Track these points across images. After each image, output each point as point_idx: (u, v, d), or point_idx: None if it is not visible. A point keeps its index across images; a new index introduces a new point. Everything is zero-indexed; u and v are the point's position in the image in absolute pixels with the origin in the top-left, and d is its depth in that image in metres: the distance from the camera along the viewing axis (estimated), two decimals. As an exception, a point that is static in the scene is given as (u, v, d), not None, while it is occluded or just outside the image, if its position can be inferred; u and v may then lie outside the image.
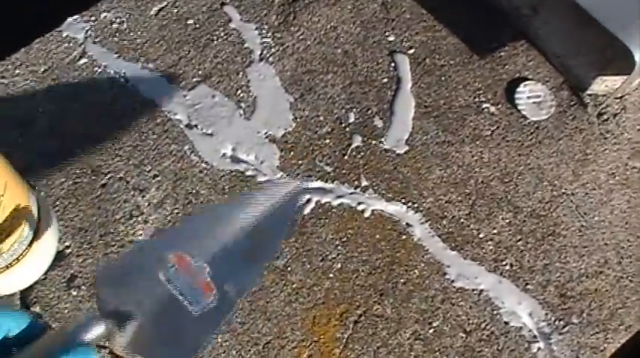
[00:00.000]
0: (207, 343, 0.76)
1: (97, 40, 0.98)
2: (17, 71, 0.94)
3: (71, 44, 0.97)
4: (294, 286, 0.85)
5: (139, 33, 0.99)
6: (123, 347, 0.59)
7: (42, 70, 0.95)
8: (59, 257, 0.83)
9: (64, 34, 0.98)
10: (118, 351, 0.64)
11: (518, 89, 0.99)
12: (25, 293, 0.81)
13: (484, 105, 0.99)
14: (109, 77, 0.95)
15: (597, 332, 0.87)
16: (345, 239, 0.88)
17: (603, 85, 0.97)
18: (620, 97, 1.00)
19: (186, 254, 0.66)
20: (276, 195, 0.78)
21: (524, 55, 1.04)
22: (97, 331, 0.52)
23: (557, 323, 0.86)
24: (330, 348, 0.82)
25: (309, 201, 0.90)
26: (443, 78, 1.01)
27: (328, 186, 0.91)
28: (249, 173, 0.91)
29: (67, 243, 0.84)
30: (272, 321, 0.83)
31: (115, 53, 0.97)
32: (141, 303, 0.66)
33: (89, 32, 0.98)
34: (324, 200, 0.90)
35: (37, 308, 0.80)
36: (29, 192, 0.76)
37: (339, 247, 0.88)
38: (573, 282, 0.89)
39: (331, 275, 0.86)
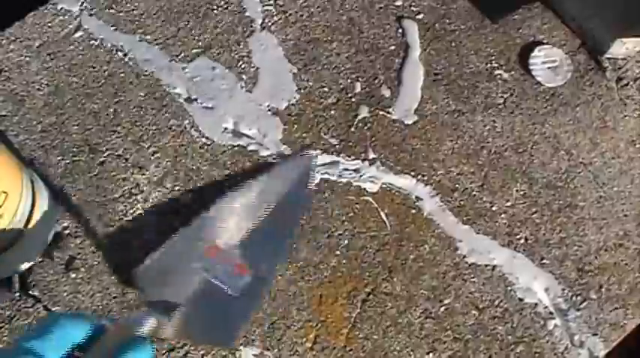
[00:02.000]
0: (248, 320, 0.78)
1: (92, 12, 0.94)
2: (11, 46, 0.91)
3: (66, 17, 0.93)
4: (299, 264, 0.82)
5: (136, 4, 0.95)
6: (173, 335, 0.64)
7: (37, 44, 0.91)
8: (57, 238, 0.80)
9: (59, 7, 0.94)
10: (170, 338, 0.66)
11: (533, 54, 0.94)
12: (23, 276, 0.78)
13: (497, 72, 0.94)
14: (106, 50, 0.92)
15: (617, 308, 0.83)
16: (351, 214, 0.84)
17: (623, 47, 0.91)
18: (641, 61, 0.95)
19: (218, 242, 0.72)
20: (292, 170, 0.82)
21: (538, 18, 0.98)
22: (149, 325, 0.54)
23: (574, 298, 0.82)
24: (337, 328, 0.79)
25: (317, 171, 0.86)
26: (453, 44, 0.95)
27: (334, 159, 0.87)
28: (251, 147, 0.87)
29: (64, 224, 0.81)
30: (277, 301, 0.80)
31: (112, 26, 0.93)
32: (183, 294, 0.67)
33: (84, 4, 0.94)
34: (329, 174, 0.86)
35: (35, 292, 0.78)
36: (23, 171, 0.73)
37: (346, 223, 0.84)
38: (591, 256, 0.85)
39: (338, 252, 0.82)
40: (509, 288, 0.82)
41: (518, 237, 0.85)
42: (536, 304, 0.82)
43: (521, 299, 0.82)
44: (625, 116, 0.92)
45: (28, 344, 0.44)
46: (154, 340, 0.74)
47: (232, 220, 0.75)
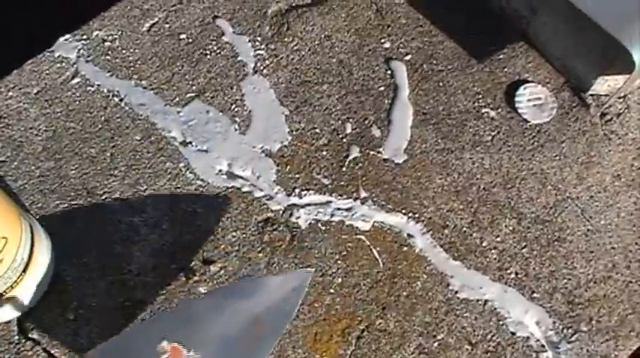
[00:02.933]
0: None
1: (89, 58, 0.96)
2: (10, 93, 0.93)
3: (64, 64, 0.96)
4: (294, 303, 0.83)
5: (131, 50, 0.97)
6: None
7: (35, 91, 0.93)
8: (56, 281, 0.81)
9: (57, 54, 0.96)
10: None
11: (518, 92, 0.96)
12: (22, 320, 0.79)
13: (484, 110, 0.96)
14: (103, 96, 0.94)
15: (607, 340, 0.84)
16: (345, 253, 0.86)
17: (605, 84, 0.94)
18: (624, 97, 0.97)
19: (181, 346, 0.65)
20: (282, 287, 0.74)
21: (523, 57, 1.01)
22: None
23: (565, 331, 0.84)
24: (333, 365, 0.80)
25: (308, 215, 0.88)
26: (441, 84, 0.98)
27: (326, 198, 0.89)
28: (245, 189, 0.89)
29: (63, 267, 0.82)
30: (273, 340, 0.81)
31: (108, 71, 0.96)
32: None
33: (81, 51, 0.97)
34: (322, 214, 0.88)
35: (35, 335, 0.79)
36: (21, 216, 0.74)
37: (339, 261, 0.85)
38: (581, 289, 0.86)
39: (332, 290, 0.84)
40: (501, 322, 0.83)
41: (508, 271, 0.86)
42: (528, 337, 0.83)
43: (513, 333, 0.83)
44: (609, 150, 0.94)
45: None
46: None
47: (203, 325, 0.67)
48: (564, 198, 0.91)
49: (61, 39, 0.98)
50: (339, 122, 0.94)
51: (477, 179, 0.91)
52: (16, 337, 0.78)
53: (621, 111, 0.97)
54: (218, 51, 0.98)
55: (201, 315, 0.68)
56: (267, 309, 0.70)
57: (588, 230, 0.89)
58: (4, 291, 0.73)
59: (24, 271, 0.75)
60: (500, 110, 0.96)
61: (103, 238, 0.84)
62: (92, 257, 0.83)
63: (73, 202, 0.86)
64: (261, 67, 0.97)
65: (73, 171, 0.88)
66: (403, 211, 0.89)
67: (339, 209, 0.88)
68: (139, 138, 0.91)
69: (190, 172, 0.89)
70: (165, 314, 0.70)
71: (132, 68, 0.96)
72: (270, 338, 0.71)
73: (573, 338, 0.83)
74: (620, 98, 0.96)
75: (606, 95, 0.95)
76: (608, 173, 0.93)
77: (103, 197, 0.87)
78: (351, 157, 0.92)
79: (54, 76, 0.95)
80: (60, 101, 0.93)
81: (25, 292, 0.77)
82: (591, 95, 0.96)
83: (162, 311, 0.72)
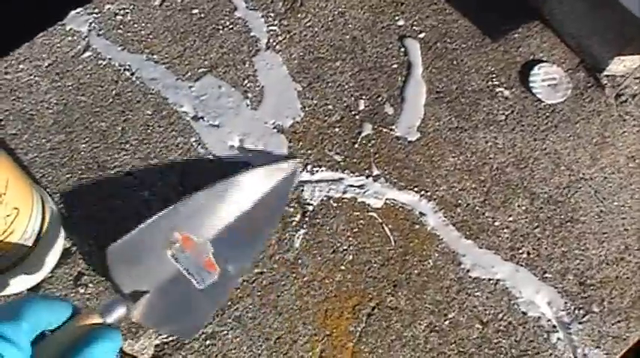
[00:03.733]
0: (211, 315, 0.78)
1: (101, 32, 0.95)
2: (21, 66, 0.91)
3: (75, 37, 0.94)
4: (305, 279, 0.82)
5: (143, 24, 0.96)
6: (137, 319, 0.65)
7: (46, 64, 0.92)
8: (66, 254, 0.80)
9: (68, 28, 0.95)
10: (136, 319, 0.67)
11: (533, 72, 0.95)
12: (31, 292, 0.78)
13: (498, 89, 0.95)
14: (114, 70, 0.92)
15: (619, 321, 0.83)
16: (356, 230, 0.85)
17: (621, 65, 0.92)
18: (639, 78, 0.96)
19: (191, 233, 0.71)
20: (275, 175, 0.82)
21: (538, 37, 0.99)
22: (119, 312, 0.55)
23: (576, 312, 0.83)
24: (343, 342, 0.79)
25: (320, 191, 0.87)
26: (455, 62, 0.96)
27: (338, 175, 0.88)
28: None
29: (73, 241, 0.81)
30: (283, 316, 0.80)
31: (120, 45, 0.94)
32: (152, 279, 0.67)
33: (93, 25, 0.95)
34: (334, 190, 0.87)
35: (44, 307, 0.78)
36: (32, 188, 0.73)
37: (351, 238, 0.84)
38: (593, 270, 0.85)
39: (343, 267, 0.83)
40: (512, 302, 0.83)
41: (520, 251, 0.85)
42: (539, 317, 0.82)
43: (524, 313, 0.82)
44: (624, 132, 0.93)
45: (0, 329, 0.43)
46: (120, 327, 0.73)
47: (208, 215, 0.75)
48: (577, 178, 0.90)
49: (73, 12, 0.96)
50: (352, 99, 0.93)
51: (490, 158, 0.90)
52: (26, 309, 0.77)
53: (637, 92, 0.95)
54: (231, 26, 0.97)
55: (205, 207, 0.75)
56: (264, 196, 0.79)
57: (601, 211, 0.88)
58: (14, 263, 0.72)
59: (35, 243, 0.74)
60: (514, 89, 0.95)
61: (113, 212, 0.83)
62: (102, 231, 0.82)
63: (83, 176, 0.85)
64: (274, 43, 0.96)
65: (84, 145, 0.87)
66: (415, 189, 0.88)
67: (351, 186, 0.87)
68: (150, 112, 0.90)
69: (202, 147, 0.88)
70: (172, 210, 0.73)
71: (143, 42, 0.95)
72: (269, 221, 0.81)
73: (585, 319, 0.82)
74: (636, 79, 0.95)
75: (622, 76, 0.94)
76: (623, 154, 0.92)
77: (114, 171, 0.86)
78: (363, 134, 0.90)
79: (65, 49, 0.93)
80: (71, 74, 0.92)
81: (36, 264, 0.76)
82: (607, 76, 0.95)
83: (168, 207, 0.74)
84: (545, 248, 0.86)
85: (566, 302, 0.83)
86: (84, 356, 0.46)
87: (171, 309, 0.70)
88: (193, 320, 0.74)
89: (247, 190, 0.78)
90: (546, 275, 0.84)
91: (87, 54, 0.93)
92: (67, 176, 0.85)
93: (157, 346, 0.79)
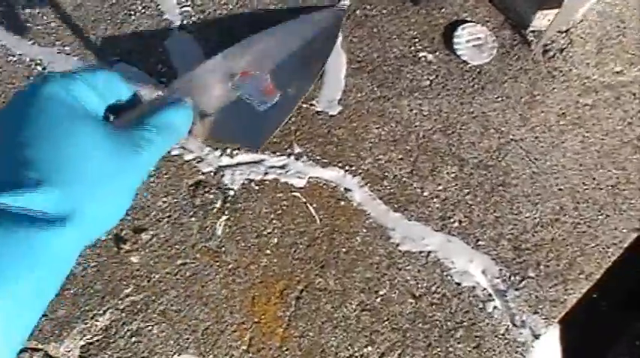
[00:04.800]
0: (275, 130, 0.80)
1: (10, 27, 0.90)
2: None
3: (-18, 35, 0.90)
4: (229, 267, 0.79)
5: (52, 16, 0.92)
6: (204, 134, 0.62)
7: (-46, 65, 0.88)
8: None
9: (-25, 25, 0.90)
10: (200, 138, 0.66)
11: (457, 33, 0.90)
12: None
13: (421, 54, 0.90)
14: (25, 65, 0.88)
15: (556, 284, 0.79)
16: (280, 212, 0.81)
17: (545, 19, 0.88)
18: (566, 31, 0.91)
19: (250, 67, 0.70)
20: (322, 18, 0.86)
21: (460, -4, 0.95)
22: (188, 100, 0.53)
23: (512, 278, 0.79)
24: (272, 328, 0.76)
25: (240, 175, 0.83)
26: (375, 29, 0.92)
27: (259, 157, 0.84)
28: (174, 152, 0.84)
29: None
30: (209, 306, 0.77)
31: (29, 39, 0.90)
32: (216, 104, 0.66)
33: (0, 20, 0.91)
34: (255, 173, 0.83)
35: None
36: None
37: (275, 221, 0.81)
38: (528, 234, 0.82)
39: (268, 251, 0.79)
40: (445, 273, 0.79)
41: (451, 220, 0.82)
42: (474, 287, 0.79)
43: (458, 284, 0.79)
44: (553, 88, 0.89)
45: (85, 74, 0.41)
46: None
47: (267, 50, 0.76)
48: (508, 140, 0.86)
49: (-22, 8, 0.92)
50: (270, 76, 0.89)
51: (416, 126, 0.86)
52: None
53: (564, 46, 0.91)
54: (143, 11, 0.92)
55: (260, 46, 0.74)
56: (315, 35, 0.80)
57: (534, 172, 0.84)
58: None
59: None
60: (437, 53, 0.90)
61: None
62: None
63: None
64: (188, 24, 0.91)
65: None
66: (339, 165, 0.84)
67: (272, 167, 0.83)
68: (63, 106, 0.86)
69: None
70: (230, 50, 0.74)
71: (54, 35, 0.90)
72: (319, 59, 0.83)
73: (521, 285, 0.79)
74: (561, 32, 0.91)
75: (547, 30, 0.89)
76: (553, 112, 0.87)
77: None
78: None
79: (-27, 47, 0.89)
80: (-20, 73, 0.87)
81: None
82: (532, 32, 0.91)
83: (227, 49, 0.74)
84: (477, 215, 0.82)
85: (501, 270, 0.80)
86: (162, 116, 0.44)
87: (236, 126, 0.70)
88: (258, 132, 0.73)
89: (297, 32, 0.81)
90: (479, 243, 0.81)
91: (-4, 51, 0.89)
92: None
93: (82, 347, 0.76)
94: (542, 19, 0.88)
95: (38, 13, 0.92)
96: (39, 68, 0.88)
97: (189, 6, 0.93)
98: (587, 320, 0.85)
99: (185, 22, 0.92)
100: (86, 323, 0.77)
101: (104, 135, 0.39)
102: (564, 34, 0.91)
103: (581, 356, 0.85)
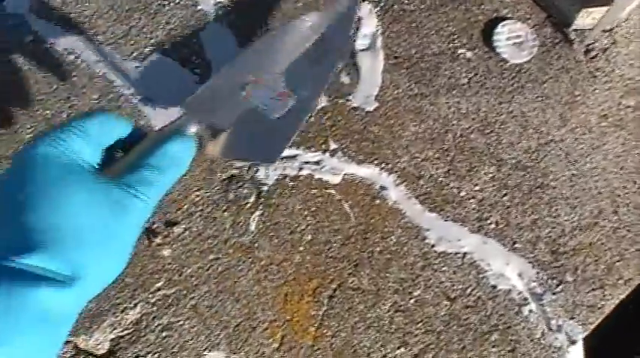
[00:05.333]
0: (291, 140, 0.73)
1: (42, 14, 0.89)
2: (-41, 55, 0.86)
3: (15, 21, 0.89)
4: (262, 263, 0.77)
5: (86, 4, 0.90)
6: (217, 152, 0.63)
7: (-15, 51, 0.87)
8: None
9: (7, 11, 0.89)
10: (213, 156, 0.69)
11: (496, 30, 0.88)
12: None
13: (459, 51, 0.88)
14: (58, 53, 0.87)
15: (594, 289, 0.77)
16: (314, 208, 0.80)
17: (589, 18, 0.86)
18: (610, 30, 0.89)
19: (261, 72, 0.70)
20: (332, 14, 0.78)
21: (501, -8, 0.93)
22: (192, 129, 0.53)
23: (549, 282, 0.77)
24: (304, 327, 0.75)
25: (274, 170, 0.81)
26: (413, 24, 0.90)
27: (293, 152, 0.82)
28: (208, 145, 0.82)
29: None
30: (241, 302, 0.76)
31: (63, 27, 0.89)
32: (228, 120, 0.65)
33: (33, 7, 0.90)
34: (289, 168, 0.81)
35: None
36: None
37: (309, 218, 0.79)
38: (565, 237, 0.80)
39: (301, 248, 0.78)
40: (481, 276, 0.77)
41: (488, 221, 0.80)
42: (509, 290, 0.77)
43: (494, 286, 0.77)
44: (595, 89, 0.86)
45: (77, 124, 0.41)
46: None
47: (276, 53, 0.73)
48: (547, 141, 0.84)
49: (11, -6, 0.90)
50: (306, 70, 0.87)
51: (454, 125, 0.84)
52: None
53: (607, 46, 0.88)
54: (177, 1, 0.90)
55: (269, 48, 0.72)
56: (326, 30, 0.75)
57: (573, 174, 0.82)
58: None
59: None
60: (477, 50, 0.88)
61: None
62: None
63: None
64: (222, 15, 0.90)
65: (29, 136, 0.82)
66: (375, 162, 0.82)
67: (307, 162, 0.82)
68: (96, 96, 0.84)
69: (151, 130, 0.82)
70: (239, 58, 0.71)
71: (87, 23, 0.89)
72: (333, 56, 0.75)
73: (558, 289, 0.77)
74: (605, 32, 0.88)
75: (591, 29, 0.87)
76: (594, 113, 0.85)
77: (60, 160, 0.80)
78: (318, 107, 0.85)
79: (5, 34, 0.88)
80: (13, 60, 0.86)
81: None
82: (574, 30, 0.88)
83: (237, 54, 0.75)
84: (515, 216, 0.80)
85: (537, 273, 0.78)
86: (160, 152, 0.44)
87: (250, 140, 0.68)
88: (272, 146, 0.70)
89: (306, 30, 0.76)
90: (516, 245, 0.79)
91: (28, 38, 0.88)
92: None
93: (112, 340, 0.75)
94: (585, 18, 0.85)
95: (71, 1, 0.90)
96: (71, 57, 0.87)
97: (224, -3, 0.91)
98: (615, 325, 0.83)
99: (220, 12, 0.90)
100: (116, 317, 0.75)
101: (101, 191, 0.38)
102: (608, 34, 0.88)
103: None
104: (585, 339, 0.77)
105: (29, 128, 0.83)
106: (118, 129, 0.44)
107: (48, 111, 0.83)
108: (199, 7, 0.90)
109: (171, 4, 0.90)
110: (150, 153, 0.43)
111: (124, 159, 0.46)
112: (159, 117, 0.83)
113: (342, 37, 0.80)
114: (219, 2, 0.90)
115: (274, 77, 0.71)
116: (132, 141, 0.47)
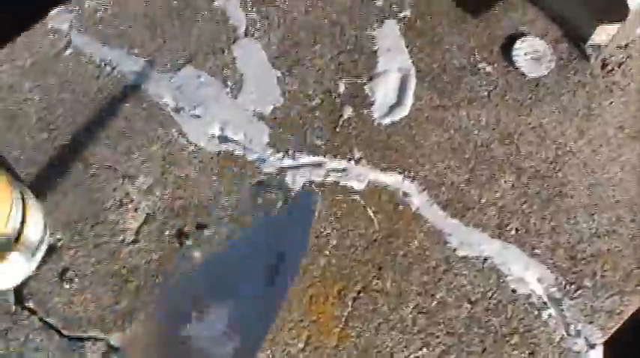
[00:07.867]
0: None
1: (81, 29, 0.92)
2: (2, 67, 0.88)
3: (56, 36, 0.91)
4: (289, 265, 0.78)
5: (123, 19, 0.93)
6: None
7: (28, 63, 0.89)
8: (50, 250, 0.77)
9: (49, 26, 0.92)
10: None
11: (515, 46, 0.89)
12: (18, 289, 0.75)
13: (480, 65, 0.90)
14: (95, 66, 0.89)
15: (612, 295, 0.78)
16: (339, 214, 0.81)
17: (604, 34, 0.87)
18: (625, 46, 0.90)
19: (202, 307, 0.70)
20: (292, 212, 0.78)
21: (519, 10, 0.94)
22: None
23: (568, 287, 0.78)
24: (329, 327, 0.75)
25: (301, 176, 0.83)
26: (435, 39, 0.91)
27: (320, 160, 0.84)
28: (238, 152, 0.84)
29: (58, 236, 0.78)
30: (268, 303, 0.77)
31: (101, 41, 0.91)
32: None
33: (74, 22, 0.92)
34: (316, 175, 0.82)
35: (30, 304, 0.75)
36: (12, 186, 0.70)
37: (334, 223, 0.80)
38: (584, 243, 0.80)
39: (327, 252, 0.79)
40: (501, 280, 0.78)
41: (508, 228, 0.80)
42: (529, 294, 0.77)
43: (514, 291, 0.77)
44: (611, 102, 0.87)
45: None
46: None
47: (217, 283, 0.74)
48: (565, 152, 0.85)
49: (53, 11, 0.93)
50: (332, 82, 0.89)
51: (474, 135, 0.85)
52: (13, 307, 0.75)
53: (623, 60, 0.89)
54: (209, 16, 0.93)
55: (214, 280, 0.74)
56: (284, 234, 0.77)
57: (591, 184, 0.83)
58: (-1, 261, 0.70)
59: (16, 240, 0.71)
60: (496, 65, 0.90)
61: (96, 206, 0.80)
62: (86, 225, 0.79)
63: (66, 172, 0.82)
64: (253, 30, 0.92)
65: (67, 142, 0.84)
66: (398, 170, 0.83)
67: (333, 170, 0.83)
68: (131, 106, 0.86)
69: (183, 137, 0.84)
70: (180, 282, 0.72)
71: (124, 37, 0.91)
72: (293, 263, 0.77)
73: (576, 295, 0.77)
74: (620, 47, 0.89)
75: (606, 45, 0.88)
76: (611, 125, 0.86)
77: (96, 165, 0.82)
78: (344, 117, 0.86)
79: (47, 48, 0.90)
80: (53, 72, 0.88)
81: (19, 262, 0.73)
82: (591, 46, 0.89)
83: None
84: (534, 223, 0.81)
85: (557, 278, 0.78)
86: None
87: None
88: None
89: (255, 249, 0.78)
90: (535, 251, 0.79)
91: (68, 51, 0.90)
92: (51, 172, 0.82)
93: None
94: (601, 34, 0.86)
95: (109, 16, 0.93)
96: (108, 68, 0.89)
97: (254, 12, 0.93)
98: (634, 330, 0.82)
99: (250, 27, 0.92)
100: (148, 315, 0.76)
101: None
102: (623, 49, 0.89)
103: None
104: (604, 344, 0.76)
105: (67, 134, 0.85)
106: None
107: (86, 119, 0.85)
108: (230, 22, 0.92)
109: (204, 18, 0.92)
110: None
111: None
112: (190, 125, 0.85)
113: (300, 242, 0.79)
114: (250, 17, 0.92)
115: (215, 316, 0.70)
116: None
